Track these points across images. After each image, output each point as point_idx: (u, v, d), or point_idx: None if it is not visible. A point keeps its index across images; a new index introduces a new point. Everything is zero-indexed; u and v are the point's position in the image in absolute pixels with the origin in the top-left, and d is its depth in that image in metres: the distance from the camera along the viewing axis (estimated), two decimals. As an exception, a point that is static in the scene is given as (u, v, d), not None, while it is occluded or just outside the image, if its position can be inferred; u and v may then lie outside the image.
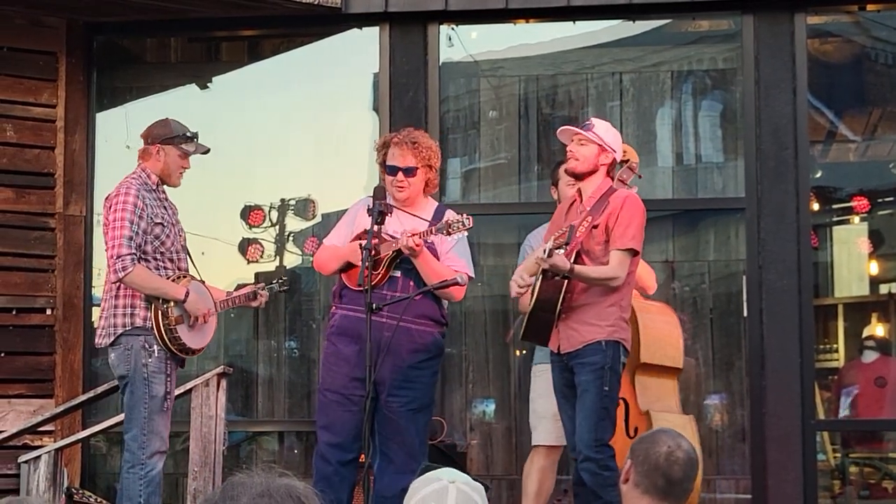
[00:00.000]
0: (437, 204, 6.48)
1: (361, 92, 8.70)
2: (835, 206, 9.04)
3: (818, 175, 8.60)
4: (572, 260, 5.83)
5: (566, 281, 5.84)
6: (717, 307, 8.43)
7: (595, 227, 5.92)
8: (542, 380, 6.62)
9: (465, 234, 6.19)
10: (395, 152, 6.25)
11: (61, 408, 7.44)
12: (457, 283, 6.10)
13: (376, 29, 8.17)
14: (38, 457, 7.02)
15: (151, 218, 6.11)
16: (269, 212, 8.81)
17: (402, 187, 6.23)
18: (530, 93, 8.63)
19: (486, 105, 8.69)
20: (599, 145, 6.05)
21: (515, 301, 6.69)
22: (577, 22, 8.30)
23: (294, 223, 8.84)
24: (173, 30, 8.65)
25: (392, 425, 6.10)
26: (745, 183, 7.90)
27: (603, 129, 6.11)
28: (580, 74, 8.59)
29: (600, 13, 8.16)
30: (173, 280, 6.17)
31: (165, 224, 6.18)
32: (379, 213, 6.00)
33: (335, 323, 6.24)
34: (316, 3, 7.87)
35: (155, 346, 6.04)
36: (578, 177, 6.12)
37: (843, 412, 8.75)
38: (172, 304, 6.07)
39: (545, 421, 6.63)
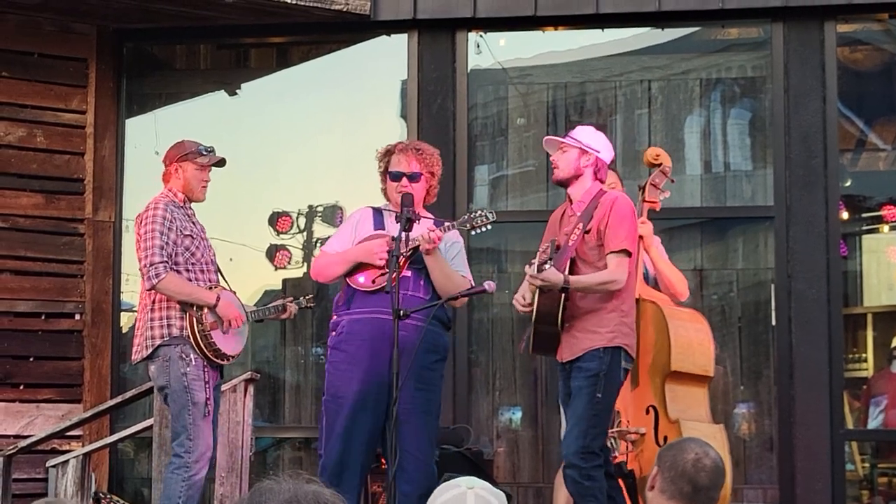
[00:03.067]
0: (433, 217, 6.38)
1: (390, 99, 8.70)
2: (864, 215, 8.99)
3: (848, 183, 8.56)
4: (567, 270, 5.80)
5: (563, 292, 5.82)
6: (746, 316, 8.40)
7: (587, 231, 5.90)
8: None
9: (476, 233, 6.18)
10: (400, 159, 6.19)
11: (89, 413, 7.46)
12: (485, 291, 6.12)
13: (405, 36, 8.18)
14: (67, 461, 7.06)
15: (181, 230, 6.21)
16: (297, 218, 8.83)
17: (404, 192, 6.19)
18: (558, 100, 8.61)
19: (514, 112, 8.68)
20: (579, 149, 6.03)
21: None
22: (605, 29, 8.29)
23: (322, 229, 8.85)
24: (202, 37, 8.68)
25: (407, 429, 6.03)
26: (773, 191, 7.88)
27: (583, 133, 6.09)
28: (608, 82, 8.58)
29: (629, 21, 8.15)
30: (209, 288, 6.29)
31: (195, 236, 6.28)
32: (407, 219, 5.98)
33: (343, 329, 6.10)
34: (345, 10, 7.89)
35: (192, 355, 6.12)
36: (563, 184, 6.10)
37: (872, 422, 8.69)
38: (206, 310, 6.14)
39: None
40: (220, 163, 6.45)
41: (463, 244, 6.34)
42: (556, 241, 5.89)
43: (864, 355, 9.16)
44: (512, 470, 8.28)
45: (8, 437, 7.70)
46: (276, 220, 8.77)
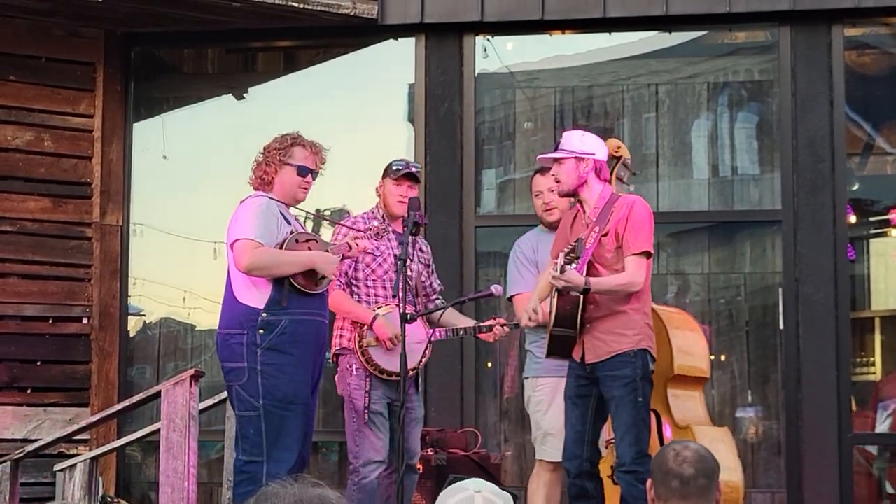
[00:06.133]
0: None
1: (397, 103, 8.71)
2: (872, 219, 8.98)
3: (855, 187, 8.55)
4: (584, 272, 5.81)
5: (584, 294, 5.83)
6: (753, 320, 8.39)
7: (605, 235, 5.91)
8: (544, 393, 6.57)
9: None
10: (306, 154, 6.08)
11: (97, 417, 7.46)
12: (492, 295, 6.47)
13: (412, 40, 8.19)
14: (74, 465, 7.05)
15: (364, 248, 6.29)
16: (304, 222, 8.80)
17: (308, 189, 6.16)
18: (566, 104, 8.61)
19: (522, 116, 8.68)
20: (574, 157, 6.03)
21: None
22: (613, 33, 8.29)
23: (329, 234, 8.84)
24: (210, 40, 8.69)
25: (312, 425, 6.05)
26: (781, 195, 7.87)
27: (572, 140, 6.08)
28: (616, 86, 8.58)
29: (636, 25, 8.15)
30: (379, 307, 6.38)
31: (376, 255, 6.41)
32: (414, 224, 5.99)
33: (286, 330, 5.77)
34: (352, 14, 7.90)
35: (355, 366, 6.33)
36: (570, 194, 6.14)
37: (880, 426, 8.68)
38: (366, 327, 6.31)
39: (551, 438, 6.56)
40: (412, 177, 6.51)
41: None
42: (583, 239, 5.86)
43: (871, 359, 9.15)
44: (519, 474, 8.28)
45: (15, 441, 7.71)
46: (283, 223, 8.75)
